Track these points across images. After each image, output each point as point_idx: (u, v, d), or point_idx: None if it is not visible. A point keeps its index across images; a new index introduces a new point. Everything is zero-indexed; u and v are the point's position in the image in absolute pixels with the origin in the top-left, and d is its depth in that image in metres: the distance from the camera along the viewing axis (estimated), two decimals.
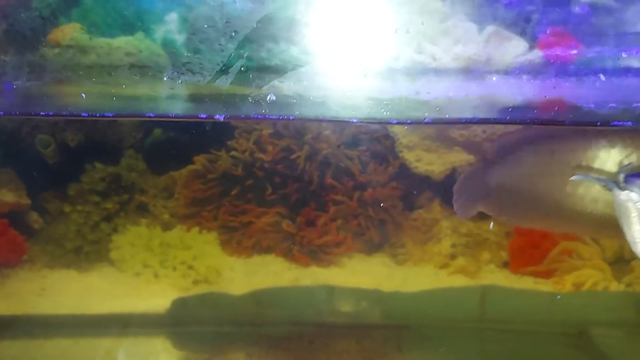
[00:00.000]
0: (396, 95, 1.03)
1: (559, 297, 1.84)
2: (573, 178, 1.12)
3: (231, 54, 0.97)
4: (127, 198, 1.97)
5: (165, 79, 1.07)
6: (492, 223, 1.80)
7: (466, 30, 1.15)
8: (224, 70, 0.96)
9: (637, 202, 1.05)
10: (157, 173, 1.97)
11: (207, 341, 1.99)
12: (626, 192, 1.05)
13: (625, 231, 1.09)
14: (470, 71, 1.13)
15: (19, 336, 1.96)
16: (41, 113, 1.04)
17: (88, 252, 1.99)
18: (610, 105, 0.99)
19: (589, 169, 1.23)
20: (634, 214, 1.06)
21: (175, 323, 2.00)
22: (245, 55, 0.97)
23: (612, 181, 1.06)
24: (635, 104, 0.98)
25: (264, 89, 0.94)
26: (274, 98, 0.95)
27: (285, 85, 0.93)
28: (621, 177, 1.05)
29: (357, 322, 1.97)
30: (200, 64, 1.02)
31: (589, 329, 1.84)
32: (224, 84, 0.95)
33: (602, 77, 0.98)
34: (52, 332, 1.98)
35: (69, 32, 1.23)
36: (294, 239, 1.99)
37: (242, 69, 0.96)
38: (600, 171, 1.21)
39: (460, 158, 1.84)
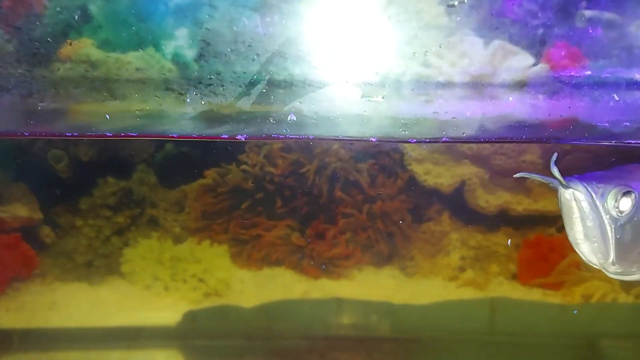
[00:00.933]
0: (409, 112, 1.05)
1: (575, 311, 1.85)
2: (516, 176, 1.06)
3: (253, 75, 0.99)
4: (139, 212, 1.99)
5: (177, 94, 1.09)
6: (509, 240, 1.80)
7: (472, 44, 1.17)
8: (246, 90, 0.98)
9: (582, 201, 1.00)
10: (168, 187, 1.98)
11: (217, 354, 2.00)
12: (570, 191, 1.00)
13: (567, 231, 1.05)
14: (477, 86, 1.15)
15: (30, 349, 1.97)
16: (66, 134, 1.06)
17: (99, 265, 2.01)
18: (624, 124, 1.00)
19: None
20: (576, 215, 1.01)
21: (185, 336, 2.01)
22: (264, 76, 0.99)
23: (556, 179, 1.00)
24: None
25: (285, 109, 0.95)
26: (294, 118, 0.97)
27: (304, 106, 0.95)
28: (555, 172, 0.99)
29: (367, 335, 1.98)
30: (218, 81, 1.04)
31: (599, 341, 1.84)
32: (245, 103, 0.97)
33: (616, 97, 1.00)
34: (63, 345, 1.99)
35: (81, 47, 1.25)
36: (304, 252, 2.00)
37: (263, 89, 0.98)
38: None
39: (468, 171, 1.86)
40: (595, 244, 1.03)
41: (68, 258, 2.01)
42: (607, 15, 1.11)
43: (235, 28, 1.09)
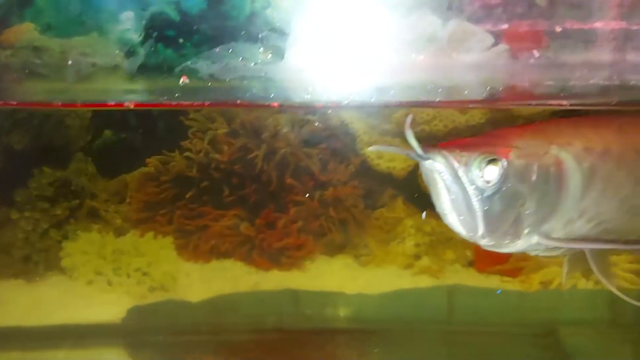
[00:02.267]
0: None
1: (498, 291, 1.79)
2: (370, 149, 0.96)
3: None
4: (77, 203, 1.89)
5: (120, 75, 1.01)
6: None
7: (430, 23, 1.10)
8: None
9: (442, 172, 0.91)
10: (108, 177, 1.90)
11: (164, 351, 1.91)
12: (430, 161, 0.90)
13: (435, 202, 0.96)
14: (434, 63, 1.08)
15: None
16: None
17: (37, 260, 1.91)
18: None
19: None
20: (439, 186, 0.92)
21: (131, 332, 1.92)
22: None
23: (413, 150, 0.90)
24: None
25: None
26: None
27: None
28: (411, 139, 0.89)
29: (320, 327, 1.90)
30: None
31: (558, 328, 1.79)
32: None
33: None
34: (1, 345, 1.89)
35: (22, 32, 1.18)
36: (254, 242, 1.92)
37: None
38: None
39: None
40: (462, 217, 0.94)
41: (4, 253, 1.90)
42: None
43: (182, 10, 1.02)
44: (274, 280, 1.92)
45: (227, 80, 0.86)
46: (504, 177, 0.92)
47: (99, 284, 1.91)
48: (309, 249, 1.92)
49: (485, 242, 0.98)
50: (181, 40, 1.00)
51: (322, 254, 1.93)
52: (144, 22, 1.03)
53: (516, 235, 0.98)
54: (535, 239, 0.99)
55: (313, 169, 1.87)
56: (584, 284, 1.80)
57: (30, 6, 1.20)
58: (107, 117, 1.88)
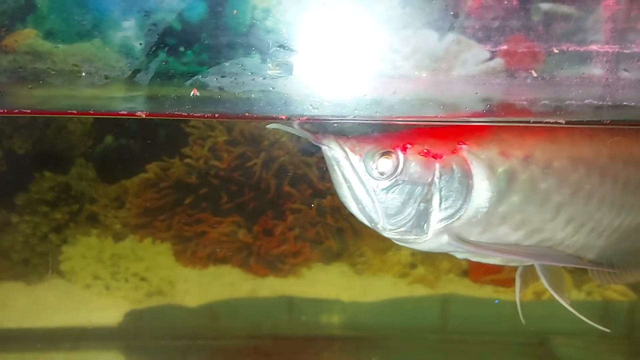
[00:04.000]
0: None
1: (496, 301, 1.81)
2: (269, 126, 0.97)
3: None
4: (77, 208, 1.90)
5: (121, 83, 1.03)
6: None
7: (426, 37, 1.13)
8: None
9: (338, 160, 0.92)
10: (108, 182, 1.91)
11: (160, 355, 1.93)
12: (326, 148, 0.91)
13: (337, 191, 0.97)
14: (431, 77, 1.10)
15: None
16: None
17: (36, 263, 1.92)
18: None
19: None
20: (338, 174, 0.93)
21: (128, 337, 1.93)
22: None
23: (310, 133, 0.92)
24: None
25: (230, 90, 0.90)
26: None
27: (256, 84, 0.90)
28: (296, 126, 0.91)
29: (315, 334, 1.92)
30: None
31: (550, 338, 1.81)
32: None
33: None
34: None
35: (25, 38, 1.19)
36: (251, 249, 1.94)
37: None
38: None
39: None
40: (361, 206, 0.96)
41: (3, 256, 1.92)
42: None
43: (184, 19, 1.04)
44: (271, 286, 1.94)
45: (236, 93, 0.89)
46: (401, 171, 0.94)
47: (96, 288, 1.92)
48: (306, 257, 1.94)
49: (390, 235, 0.99)
50: (182, 49, 1.02)
51: (319, 262, 1.95)
52: (146, 29, 1.05)
53: (422, 232, 0.97)
54: (445, 238, 0.99)
55: (311, 177, 1.89)
56: (575, 294, 1.83)
57: (33, 12, 1.22)
58: (108, 123, 1.90)
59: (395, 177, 0.94)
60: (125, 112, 0.95)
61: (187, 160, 1.88)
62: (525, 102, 0.96)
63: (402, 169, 0.94)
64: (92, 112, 0.97)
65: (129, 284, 1.91)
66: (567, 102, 0.94)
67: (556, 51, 0.94)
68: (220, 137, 1.88)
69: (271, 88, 0.91)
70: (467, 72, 1.00)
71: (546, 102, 0.94)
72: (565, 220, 1.03)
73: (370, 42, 0.94)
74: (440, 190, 0.96)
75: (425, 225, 0.97)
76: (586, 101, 0.93)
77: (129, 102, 0.94)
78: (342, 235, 1.92)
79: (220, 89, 0.91)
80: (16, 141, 1.85)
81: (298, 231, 1.92)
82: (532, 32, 0.96)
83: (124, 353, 1.93)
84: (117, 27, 0.97)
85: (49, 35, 1.11)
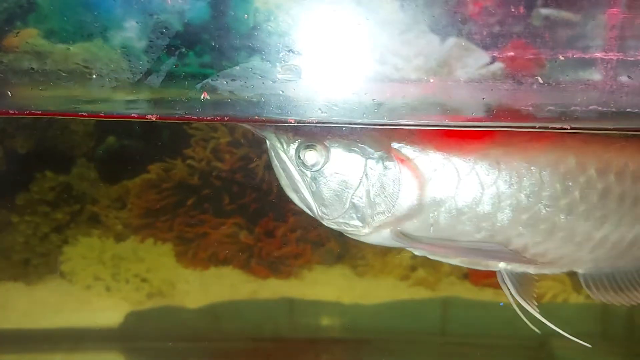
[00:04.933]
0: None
1: (501, 304, 1.82)
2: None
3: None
4: (79, 208, 1.90)
5: (123, 84, 1.03)
6: None
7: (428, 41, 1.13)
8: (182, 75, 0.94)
9: (274, 151, 1.00)
10: (110, 182, 1.91)
11: (160, 356, 1.93)
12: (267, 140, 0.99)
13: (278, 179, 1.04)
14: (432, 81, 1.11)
15: None
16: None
17: (37, 264, 1.91)
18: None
19: None
20: (276, 163, 1.00)
21: (128, 338, 1.93)
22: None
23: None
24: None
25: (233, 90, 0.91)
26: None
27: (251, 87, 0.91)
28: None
29: (316, 336, 1.93)
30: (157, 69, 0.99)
31: (549, 341, 1.82)
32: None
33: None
34: None
35: (25, 37, 1.19)
36: (252, 251, 1.94)
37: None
38: None
39: None
40: (297, 195, 1.02)
41: (3, 256, 1.91)
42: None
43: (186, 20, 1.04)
44: (272, 288, 1.94)
45: (246, 97, 0.89)
46: (325, 164, 0.99)
47: (97, 289, 1.92)
48: (307, 258, 1.94)
49: (331, 225, 1.04)
50: (184, 50, 1.03)
51: (320, 264, 1.95)
52: (147, 30, 1.05)
53: (358, 224, 1.02)
54: (387, 233, 1.03)
55: None
56: (575, 297, 1.84)
57: (34, 11, 1.21)
58: (110, 124, 1.89)
59: (322, 169, 0.99)
60: (136, 115, 0.95)
61: (190, 161, 1.89)
62: (530, 108, 0.97)
63: (328, 161, 0.99)
64: (102, 114, 0.97)
65: (130, 285, 1.91)
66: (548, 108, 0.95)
67: (559, 57, 0.95)
68: (223, 138, 1.88)
69: (281, 92, 0.92)
70: (471, 76, 1.01)
71: (541, 107, 0.95)
72: (525, 223, 1.04)
73: (376, 46, 0.95)
74: (371, 186, 1.00)
75: (360, 219, 1.01)
76: (591, 107, 0.94)
77: (139, 105, 0.95)
78: (344, 237, 1.92)
79: (231, 92, 0.92)
80: (18, 140, 1.84)
81: (299, 233, 1.92)
82: (533, 36, 0.97)
83: (124, 354, 1.93)
84: (129, 30, 0.97)
85: (54, 35, 1.11)
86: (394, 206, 1.00)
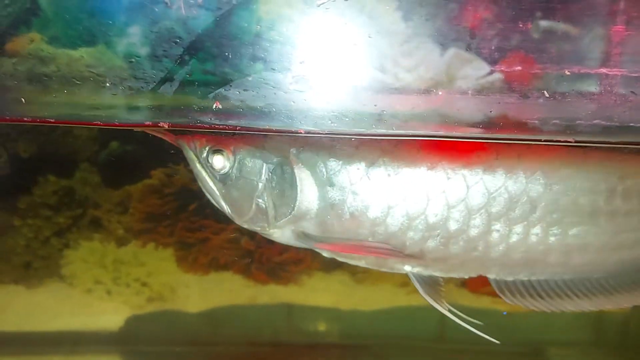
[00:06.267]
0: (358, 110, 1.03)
1: (504, 312, 1.85)
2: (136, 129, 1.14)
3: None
4: (80, 212, 1.91)
5: (125, 90, 1.05)
6: None
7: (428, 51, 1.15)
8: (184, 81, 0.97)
9: (190, 158, 1.09)
10: (112, 187, 1.92)
11: None
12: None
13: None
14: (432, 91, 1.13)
15: None
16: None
17: (38, 267, 1.92)
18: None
19: None
20: (193, 168, 1.09)
21: (128, 342, 1.94)
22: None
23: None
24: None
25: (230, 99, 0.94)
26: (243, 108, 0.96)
27: (251, 97, 0.94)
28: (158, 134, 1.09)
29: (314, 342, 1.94)
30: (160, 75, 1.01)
31: (545, 348, 1.84)
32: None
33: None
34: None
35: (29, 42, 1.20)
36: (253, 256, 1.96)
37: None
38: None
39: None
40: (212, 198, 1.10)
41: (4, 259, 1.92)
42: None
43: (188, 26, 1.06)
44: (271, 294, 1.96)
45: (258, 107, 0.92)
46: (231, 168, 1.07)
47: (97, 293, 1.93)
48: (307, 265, 1.96)
49: (244, 225, 1.12)
50: (187, 57, 1.05)
51: (320, 270, 1.97)
52: (151, 36, 1.07)
53: (265, 225, 1.10)
54: (289, 233, 1.11)
55: None
56: None
57: (38, 16, 1.23)
58: (114, 129, 1.91)
59: (229, 173, 1.07)
60: (149, 123, 0.97)
61: None
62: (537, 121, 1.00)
63: (233, 166, 1.07)
64: (116, 122, 1.00)
65: (130, 289, 1.92)
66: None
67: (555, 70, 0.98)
68: None
69: (292, 102, 0.94)
70: (476, 88, 1.03)
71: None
72: (404, 228, 1.08)
73: (385, 60, 0.97)
74: (272, 189, 1.08)
75: (265, 220, 1.09)
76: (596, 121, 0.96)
77: (152, 112, 0.97)
78: None
79: (242, 101, 0.94)
80: (21, 145, 1.86)
81: None
82: (530, 49, 1.00)
83: (124, 357, 1.94)
84: (142, 38, 0.99)
85: (59, 41, 1.12)
86: (292, 208, 1.07)
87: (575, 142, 0.96)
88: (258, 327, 1.95)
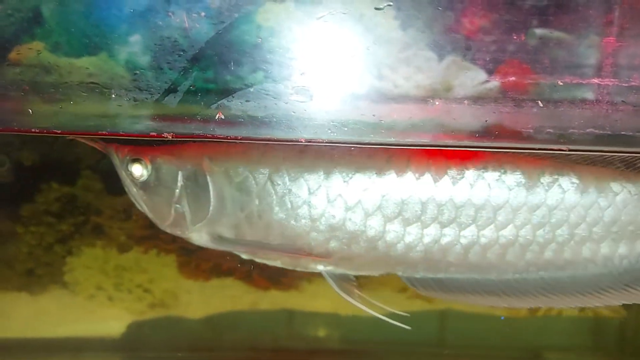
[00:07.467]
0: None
1: (502, 317, 1.86)
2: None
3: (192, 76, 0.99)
4: (83, 219, 1.93)
5: (127, 99, 1.07)
6: None
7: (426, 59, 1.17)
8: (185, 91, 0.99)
9: (116, 166, 1.18)
10: (114, 193, 1.93)
11: None
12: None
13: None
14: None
15: None
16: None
17: (40, 274, 1.94)
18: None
19: None
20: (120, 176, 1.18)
21: (130, 348, 1.95)
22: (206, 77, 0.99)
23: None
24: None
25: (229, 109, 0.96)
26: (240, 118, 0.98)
27: (251, 106, 0.96)
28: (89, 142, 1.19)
29: (314, 347, 1.96)
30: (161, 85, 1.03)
31: (544, 353, 1.86)
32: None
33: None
34: (1, 356, 1.92)
35: (31, 51, 1.21)
36: (254, 262, 1.97)
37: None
38: None
39: None
40: (137, 204, 1.17)
41: (8, 266, 1.93)
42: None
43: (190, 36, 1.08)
44: (272, 299, 1.97)
45: (259, 117, 0.94)
46: (152, 175, 1.13)
47: (99, 299, 1.95)
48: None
49: (167, 230, 1.20)
50: (188, 65, 1.07)
51: (320, 276, 1.98)
52: (152, 45, 1.09)
53: (184, 229, 1.17)
54: (205, 236, 1.18)
55: None
56: (569, 311, 1.88)
57: (41, 25, 1.24)
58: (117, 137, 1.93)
59: (147, 181, 1.14)
60: (154, 134, 0.99)
61: None
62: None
63: (151, 174, 1.14)
64: (122, 132, 1.02)
65: (132, 295, 1.94)
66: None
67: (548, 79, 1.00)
68: None
69: (293, 112, 0.96)
70: (474, 96, 1.06)
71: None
72: (307, 229, 1.15)
73: (384, 70, 0.99)
74: (187, 195, 1.14)
75: (183, 224, 1.17)
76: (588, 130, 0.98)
77: (157, 123, 0.99)
78: None
79: (244, 112, 0.96)
80: (24, 153, 1.87)
81: None
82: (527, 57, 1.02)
83: None
84: (146, 49, 1.01)
85: (63, 51, 1.14)
86: (207, 212, 1.14)
87: (569, 150, 0.98)
88: (259, 332, 1.97)
